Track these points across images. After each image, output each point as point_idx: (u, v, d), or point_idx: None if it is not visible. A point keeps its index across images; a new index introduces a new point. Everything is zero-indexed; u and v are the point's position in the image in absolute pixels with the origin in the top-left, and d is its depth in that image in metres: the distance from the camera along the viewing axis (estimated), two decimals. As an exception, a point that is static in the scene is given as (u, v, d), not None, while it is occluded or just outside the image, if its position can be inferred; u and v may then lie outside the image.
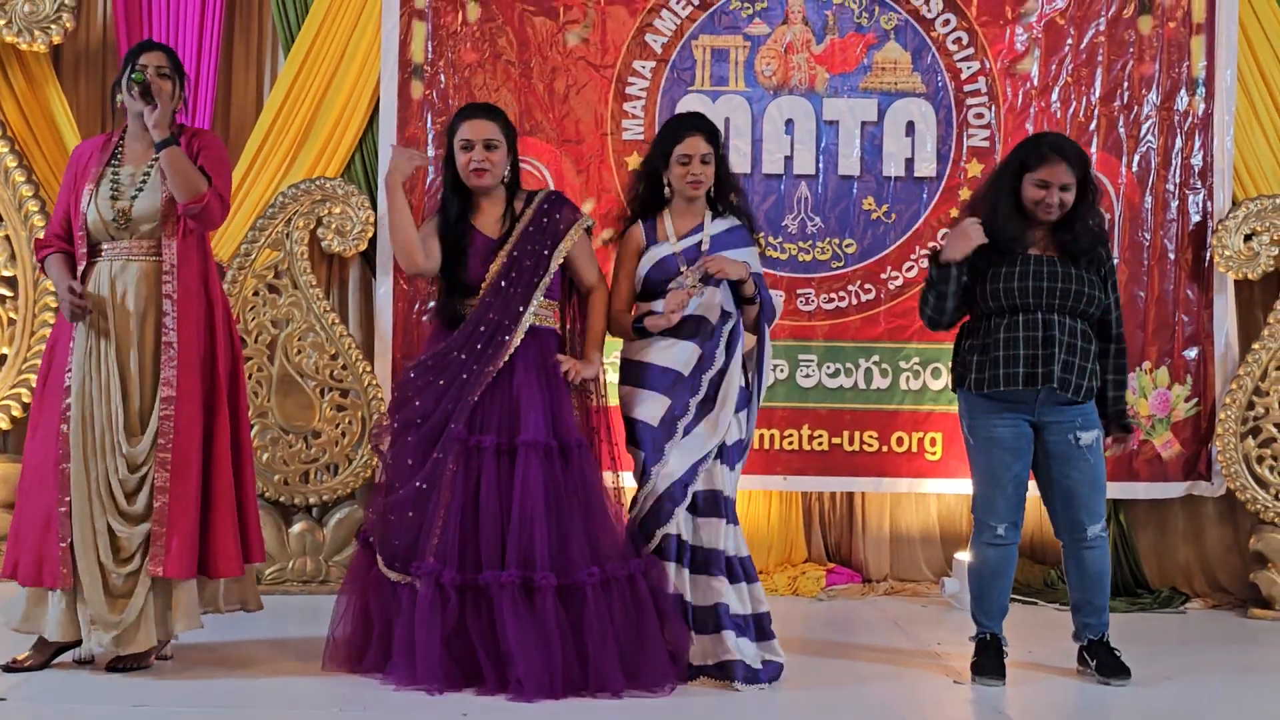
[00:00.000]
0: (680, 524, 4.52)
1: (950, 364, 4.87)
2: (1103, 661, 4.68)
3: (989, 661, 4.71)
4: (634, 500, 4.63)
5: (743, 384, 4.61)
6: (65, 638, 4.45)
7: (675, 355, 4.57)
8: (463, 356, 4.47)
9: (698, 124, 4.71)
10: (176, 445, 4.44)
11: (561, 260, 4.58)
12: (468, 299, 4.56)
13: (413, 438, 4.48)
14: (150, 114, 4.43)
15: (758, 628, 4.57)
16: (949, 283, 4.61)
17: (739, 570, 4.57)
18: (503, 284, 4.51)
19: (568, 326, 4.76)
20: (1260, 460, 6.07)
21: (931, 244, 4.96)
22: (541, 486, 4.37)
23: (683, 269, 4.61)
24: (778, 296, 6.07)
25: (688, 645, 4.45)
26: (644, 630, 4.37)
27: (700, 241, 4.64)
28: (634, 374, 4.65)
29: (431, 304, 4.71)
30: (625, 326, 4.75)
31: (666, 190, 4.70)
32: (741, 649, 4.46)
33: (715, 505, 4.54)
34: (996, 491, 4.69)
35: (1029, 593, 6.19)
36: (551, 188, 4.79)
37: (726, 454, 4.58)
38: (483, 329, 4.48)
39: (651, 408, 4.57)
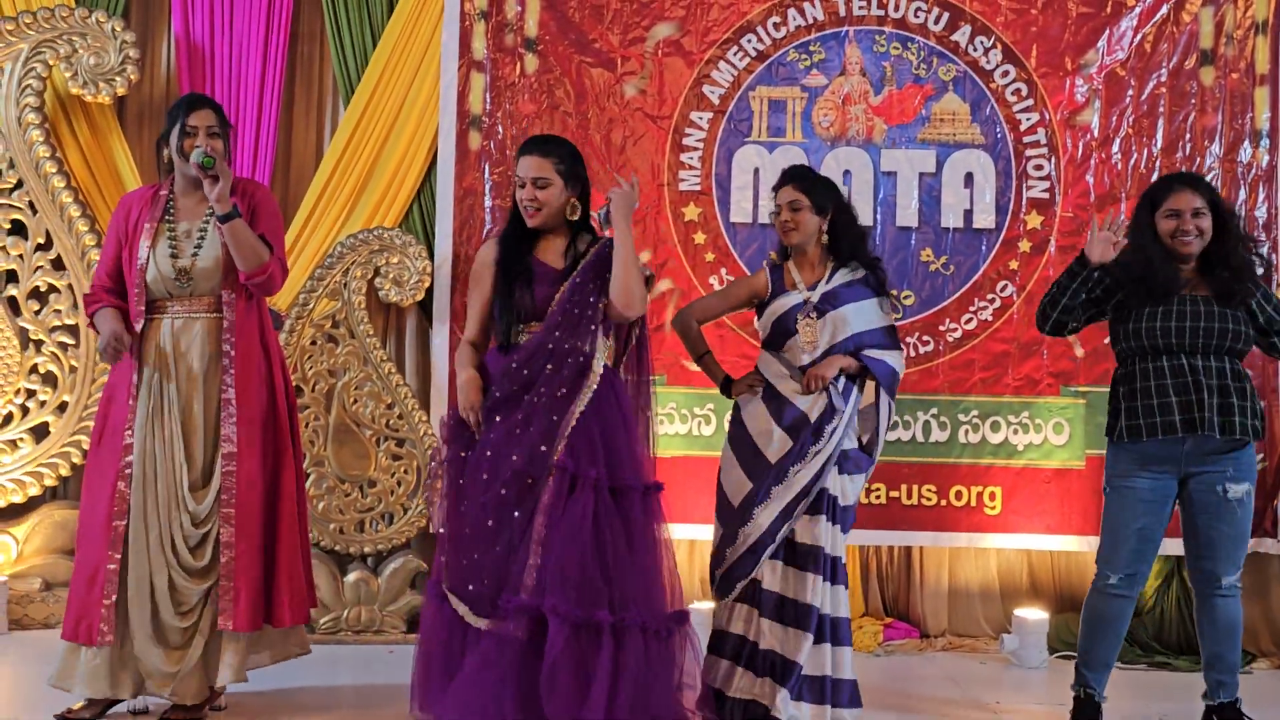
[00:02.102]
0: (773, 576, 4.53)
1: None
2: None
3: (1081, 718, 4.64)
4: (716, 558, 4.68)
5: (854, 447, 4.63)
6: (99, 693, 4.46)
7: (767, 437, 4.61)
8: (526, 374, 4.30)
9: (787, 174, 4.82)
10: (240, 501, 4.48)
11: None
12: (528, 324, 4.41)
13: (486, 469, 4.27)
14: (212, 188, 4.43)
15: (834, 693, 4.53)
16: (1074, 281, 4.61)
17: (827, 631, 4.53)
18: (569, 307, 4.37)
19: (625, 374, 4.62)
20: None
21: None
22: (634, 528, 4.30)
23: (798, 317, 4.66)
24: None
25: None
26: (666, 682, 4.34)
27: (807, 299, 4.68)
28: (736, 437, 4.72)
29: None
30: (687, 334, 4.92)
31: (788, 247, 4.80)
32: (790, 711, 4.45)
33: (812, 559, 4.52)
34: (1118, 540, 4.61)
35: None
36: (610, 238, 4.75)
37: (835, 512, 4.58)
38: (550, 346, 4.31)
39: (736, 484, 4.64)
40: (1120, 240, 4.58)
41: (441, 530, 4.37)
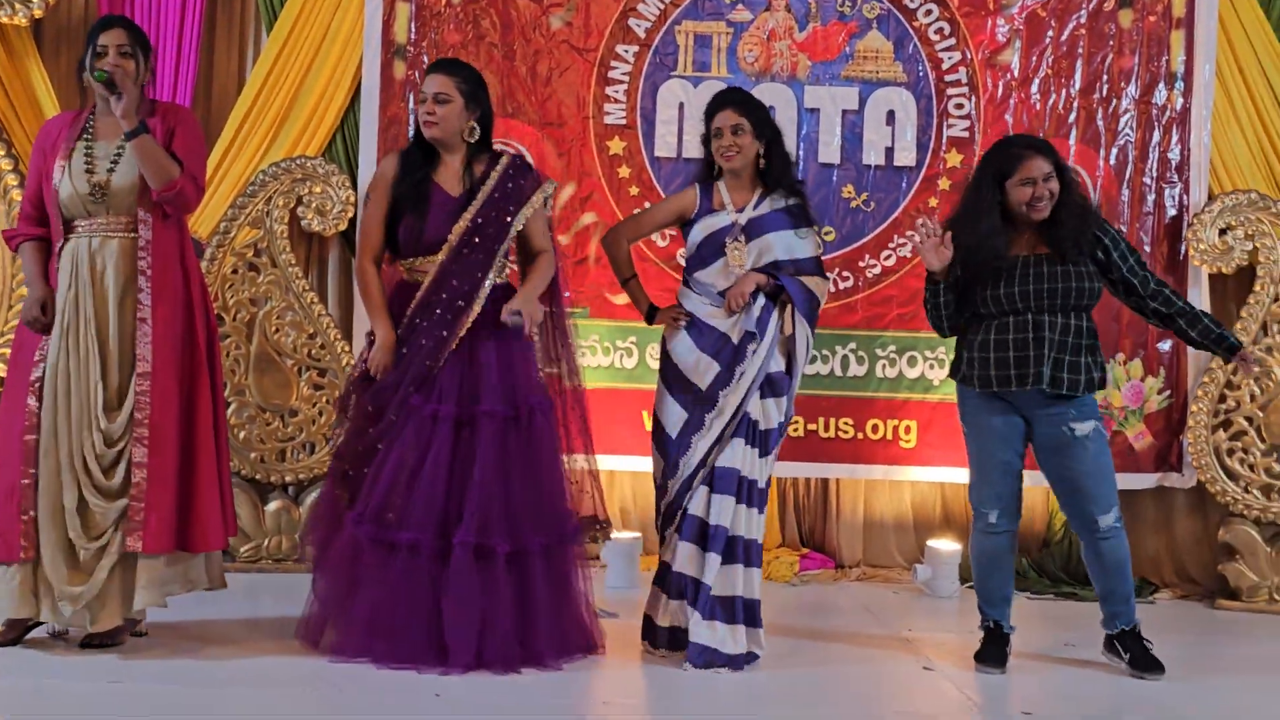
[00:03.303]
0: (698, 502, 4.59)
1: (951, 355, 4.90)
2: (1136, 656, 4.72)
3: (989, 650, 4.76)
4: (660, 489, 4.73)
5: (781, 368, 4.67)
6: (20, 613, 4.44)
7: (697, 366, 4.66)
8: (423, 323, 4.50)
9: (727, 96, 4.83)
10: (153, 421, 4.44)
11: (520, 227, 4.61)
12: (425, 257, 4.56)
13: (373, 398, 4.51)
14: (116, 105, 4.41)
15: (747, 613, 4.60)
16: (938, 295, 4.69)
17: (739, 551, 4.59)
18: (465, 250, 4.53)
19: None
20: (1230, 453, 6.13)
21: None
22: (495, 456, 4.42)
23: (727, 240, 4.69)
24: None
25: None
26: (571, 599, 4.54)
27: (735, 221, 4.71)
28: (665, 370, 4.77)
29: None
30: (615, 254, 4.94)
31: (717, 167, 4.81)
32: (702, 632, 4.52)
33: (726, 481, 4.58)
34: (986, 474, 4.73)
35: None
36: (515, 153, 4.81)
37: (756, 437, 4.63)
38: (445, 295, 4.50)
39: (675, 417, 4.68)
40: (943, 236, 4.62)
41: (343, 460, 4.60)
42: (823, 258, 6.08)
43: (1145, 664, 4.70)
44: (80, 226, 4.53)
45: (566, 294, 4.94)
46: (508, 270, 4.70)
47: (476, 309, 4.51)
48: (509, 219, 4.57)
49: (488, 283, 4.55)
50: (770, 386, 4.64)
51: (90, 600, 4.41)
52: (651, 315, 4.87)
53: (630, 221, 5.08)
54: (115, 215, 4.52)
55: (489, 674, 4.26)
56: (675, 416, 4.68)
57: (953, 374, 4.82)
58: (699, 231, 4.76)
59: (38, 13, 5.97)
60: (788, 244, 4.71)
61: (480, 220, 4.54)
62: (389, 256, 4.71)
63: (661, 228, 5.13)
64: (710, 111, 4.79)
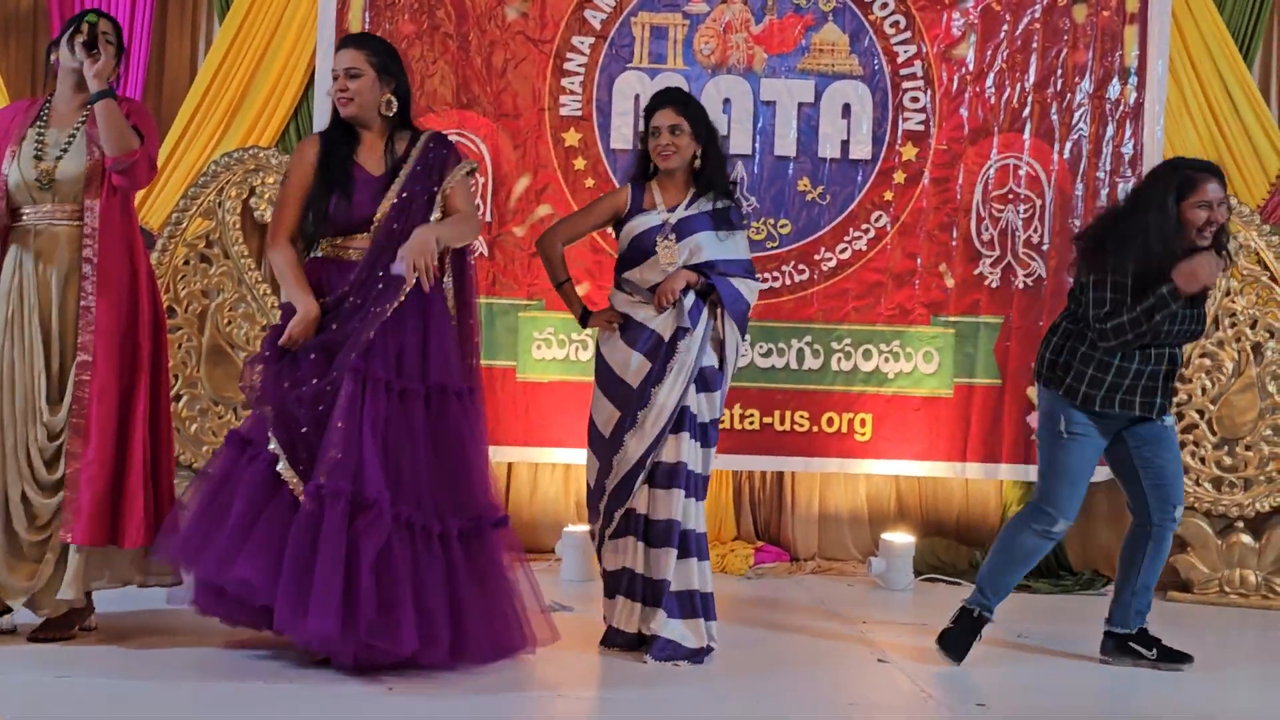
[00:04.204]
0: (641, 500, 4.58)
1: (1044, 359, 4.77)
2: (1164, 650, 4.76)
3: (958, 638, 4.72)
4: (596, 490, 4.68)
5: (714, 364, 4.66)
6: None
7: (628, 366, 4.63)
8: (357, 301, 4.33)
9: (667, 96, 4.80)
10: (91, 413, 4.39)
11: (448, 192, 4.48)
12: (351, 237, 4.44)
13: (303, 358, 4.30)
14: (91, 65, 4.37)
15: (704, 607, 4.60)
16: (1171, 309, 4.52)
17: (692, 546, 4.59)
18: (394, 226, 4.39)
19: (445, 275, 4.58)
20: (1182, 446, 6.16)
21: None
22: (423, 432, 4.33)
23: (657, 239, 4.67)
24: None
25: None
26: (499, 588, 4.38)
27: (665, 220, 4.69)
28: (599, 371, 4.75)
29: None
30: (550, 257, 4.85)
31: (652, 165, 4.78)
32: (670, 629, 4.51)
33: (676, 477, 4.56)
34: (1076, 489, 4.71)
35: (954, 573, 6.26)
36: (435, 130, 4.71)
37: (696, 430, 4.62)
38: (380, 273, 4.34)
39: (605, 415, 4.67)
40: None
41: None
42: (778, 250, 6.14)
43: (1176, 656, 4.75)
44: (26, 214, 4.47)
45: (472, 258, 4.68)
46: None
47: (408, 286, 4.35)
48: (435, 188, 4.46)
49: None
50: (703, 381, 4.64)
51: (36, 592, 4.37)
52: (585, 319, 4.84)
53: (563, 224, 4.98)
54: (60, 203, 4.47)
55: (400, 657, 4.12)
56: (606, 415, 4.67)
57: (1051, 385, 4.72)
58: (630, 230, 4.74)
59: (-15, 0, 5.91)
60: (719, 242, 4.69)
61: (406, 194, 4.43)
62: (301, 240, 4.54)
63: (596, 228, 5.01)
64: (650, 109, 4.77)
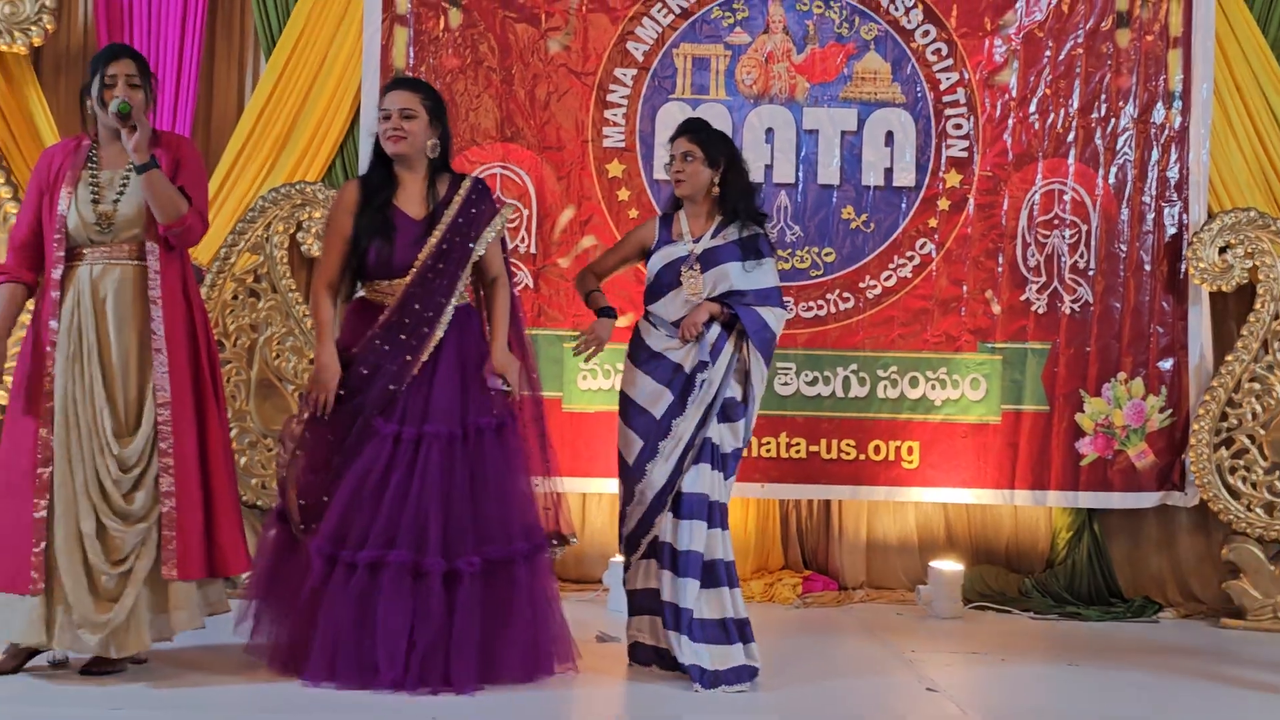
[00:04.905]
0: (665, 528, 4.60)
1: None
2: None
3: None
4: (622, 517, 4.76)
5: (736, 396, 4.68)
6: (34, 642, 4.43)
7: (651, 397, 4.70)
8: (385, 346, 4.50)
9: (683, 126, 4.88)
10: (177, 450, 4.48)
11: (481, 252, 4.62)
12: (390, 280, 4.55)
13: (335, 420, 4.51)
14: (129, 138, 4.41)
15: (739, 632, 4.61)
16: None
17: (722, 574, 4.61)
18: (429, 275, 4.53)
19: (480, 307, 4.78)
20: (1233, 471, 6.11)
21: None
22: (439, 476, 4.43)
23: (682, 269, 4.71)
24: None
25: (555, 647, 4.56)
26: (526, 617, 4.48)
27: (691, 251, 4.73)
28: (621, 402, 4.81)
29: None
30: (581, 290, 5.02)
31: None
32: (698, 654, 4.53)
33: (698, 508, 4.59)
34: None
35: (1004, 601, 6.22)
36: (477, 175, 4.80)
37: (719, 460, 4.65)
38: (408, 320, 4.51)
39: (632, 446, 4.71)
40: None
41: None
42: (823, 278, 6.16)
43: None
44: (85, 254, 4.54)
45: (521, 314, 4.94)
46: (467, 292, 4.69)
47: (439, 333, 4.53)
48: (471, 244, 4.59)
49: (450, 306, 4.55)
50: (724, 413, 4.67)
51: (116, 627, 4.40)
52: (607, 311, 4.94)
53: (596, 261, 5.12)
54: (119, 243, 4.53)
55: (447, 693, 4.28)
56: (633, 446, 4.71)
57: None
58: (657, 261, 4.81)
59: (37, 41, 5.99)
60: (745, 271, 4.72)
61: (445, 245, 4.56)
62: (348, 281, 4.72)
63: (627, 263, 5.06)
64: (670, 140, 4.86)
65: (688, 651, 4.52)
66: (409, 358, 4.49)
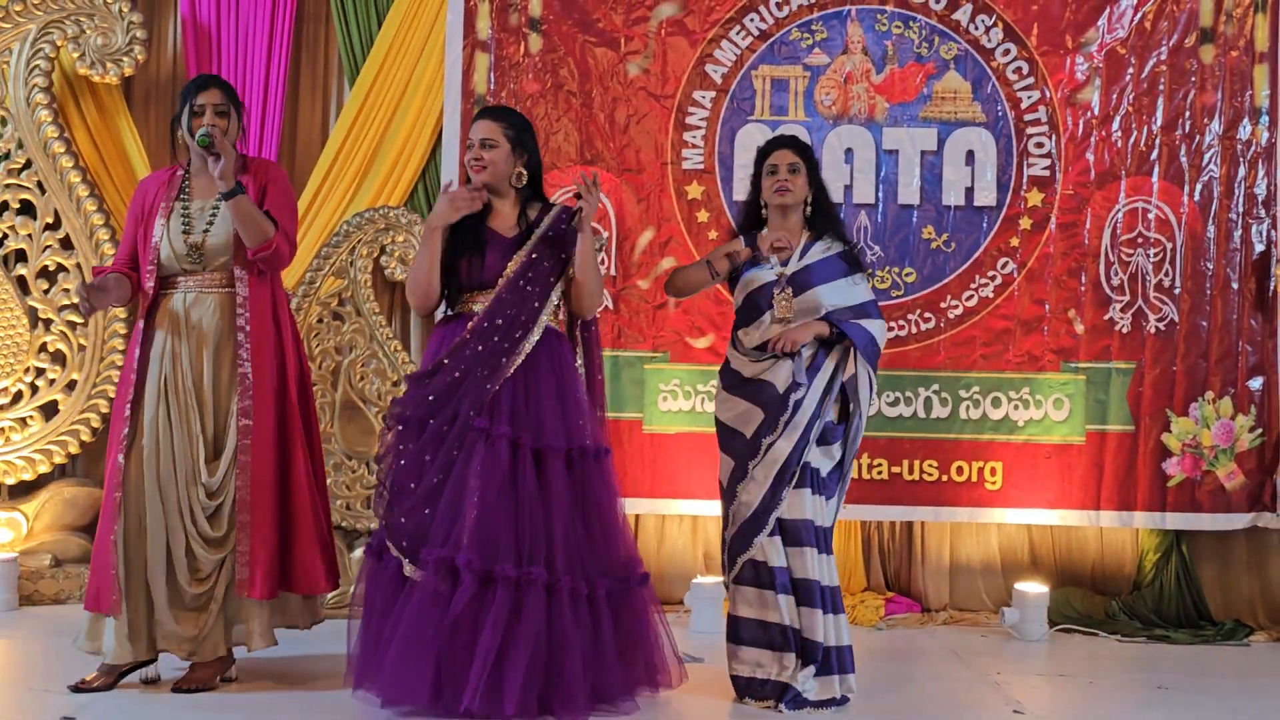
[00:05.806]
0: (765, 549, 4.53)
1: None
2: None
3: None
4: (721, 541, 4.74)
5: (831, 419, 4.64)
6: (122, 660, 4.55)
7: (743, 418, 4.65)
8: (479, 348, 4.43)
9: (784, 139, 4.85)
10: (255, 476, 4.57)
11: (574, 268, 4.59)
12: (481, 292, 4.54)
13: (429, 433, 4.40)
14: (214, 165, 4.52)
15: (839, 660, 4.57)
16: None
17: (828, 600, 4.56)
18: (521, 282, 4.51)
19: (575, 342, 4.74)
20: (1311, 488, 6.03)
21: None
22: (567, 491, 4.40)
23: (774, 291, 4.66)
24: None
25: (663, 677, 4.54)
26: (636, 641, 4.48)
27: (781, 274, 4.67)
28: (718, 427, 4.77)
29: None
30: (684, 289, 4.90)
31: (764, 211, 4.80)
32: (809, 686, 4.49)
33: (804, 533, 4.55)
34: None
35: (1090, 624, 6.14)
36: (567, 205, 4.79)
37: (818, 483, 4.60)
38: (500, 322, 4.45)
39: (726, 470, 4.70)
40: None
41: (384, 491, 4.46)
42: (904, 298, 6.14)
43: None
44: (178, 283, 4.65)
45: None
46: (561, 314, 4.68)
47: (534, 337, 4.48)
48: (564, 255, 4.58)
49: (544, 315, 4.52)
50: (821, 436, 4.61)
51: (199, 640, 4.55)
52: (714, 270, 4.78)
53: (680, 272, 4.98)
54: (210, 272, 4.65)
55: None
56: (726, 469, 4.69)
57: None
58: (745, 285, 4.75)
59: (128, 71, 6.13)
60: (840, 292, 4.67)
61: (536, 255, 4.54)
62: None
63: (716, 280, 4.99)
64: (766, 151, 4.80)
65: (809, 684, 4.49)
66: (504, 360, 4.43)
